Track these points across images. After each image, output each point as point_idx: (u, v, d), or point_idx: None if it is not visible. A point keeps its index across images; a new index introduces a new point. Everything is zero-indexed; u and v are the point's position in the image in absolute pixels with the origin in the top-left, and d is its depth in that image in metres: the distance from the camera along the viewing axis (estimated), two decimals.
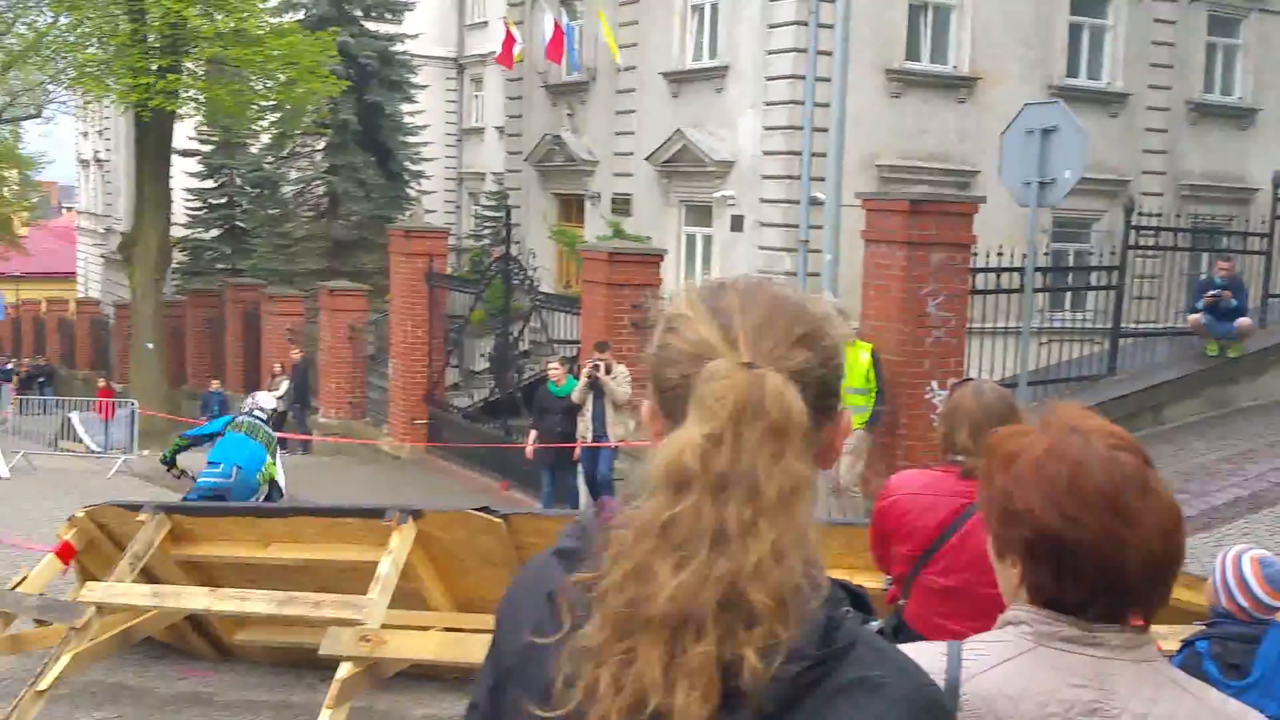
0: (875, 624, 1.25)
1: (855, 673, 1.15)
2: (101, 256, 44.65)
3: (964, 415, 3.59)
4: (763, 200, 18.59)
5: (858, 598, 1.24)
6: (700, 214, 20.31)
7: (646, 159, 20.96)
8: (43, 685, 6.27)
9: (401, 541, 6.31)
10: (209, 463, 9.32)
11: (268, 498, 9.33)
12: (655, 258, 14.95)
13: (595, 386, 12.67)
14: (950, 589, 3.55)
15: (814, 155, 17.32)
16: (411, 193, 32.82)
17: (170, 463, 10.01)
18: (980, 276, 11.96)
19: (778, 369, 1.19)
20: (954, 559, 3.55)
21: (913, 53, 18.83)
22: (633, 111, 21.61)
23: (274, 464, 9.41)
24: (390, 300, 18.98)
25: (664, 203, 20.89)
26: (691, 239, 20.46)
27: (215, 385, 24.04)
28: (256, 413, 9.71)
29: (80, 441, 21.55)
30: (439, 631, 6.19)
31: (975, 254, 11.36)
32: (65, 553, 7.54)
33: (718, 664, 1.11)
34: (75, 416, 21.95)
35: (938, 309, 10.85)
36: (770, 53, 18.34)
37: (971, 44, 19.08)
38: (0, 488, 16.03)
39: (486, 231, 32.10)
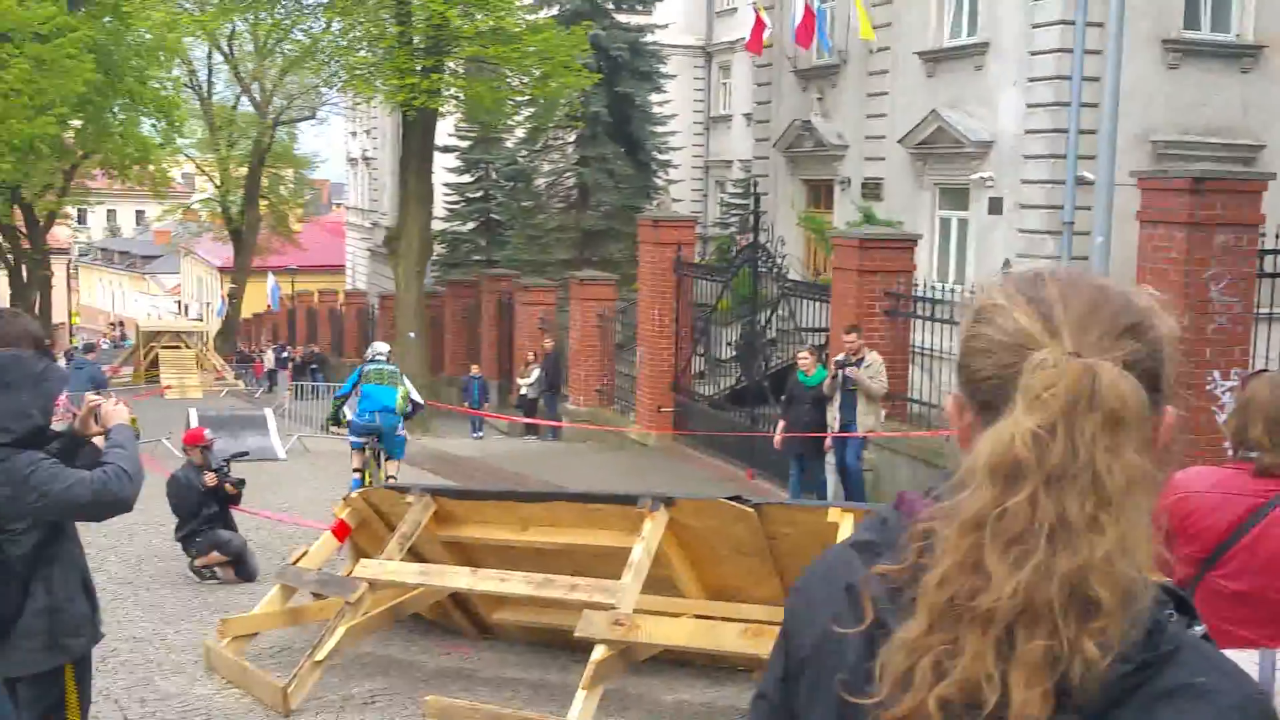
0: (1199, 629, 1.19)
1: (1181, 678, 1.12)
2: (368, 249, 47.36)
3: (1258, 409, 3.37)
4: (1024, 181, 17.89)
5: (1181, 600, 1.19)
6: (955, 197, 19.72)
7: (899, 142, 20.50)
8: (320, 656, 6.72)
9: (654, 528, 6.41)
10: (359, 412, 12.76)
11: (412, 413, 12.88)
12: (908, 243, 14.61)
13: (844, 378, 12.53)
14: (1241, 593, 3.34)
15: (1081, 133, 16.55)
16: (659, 182, 33.28)
17: (335, 419, 13.82)
18: (1270, 259, 11.13)
19: (1106, 359, 1.16)
20: (1246, 562, 3.34)
21: (1191, 21, 17.74)
22: (885, 94, 21.18)
23: (409, 389, 12.89)
24: (638, 289, 19.28)
25: (917, 186, 20.40)
26: (946, 223, 19.91)
27: (475, 370, 25.10)
28: (378, 358, 12.87)
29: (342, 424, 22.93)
30: (690, 618, 6.26)
31: (1263, 234, 10.58)
32: (341, 531, 8.03)
33: (1052, 660, 1.09)
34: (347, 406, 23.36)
35: (1221, 294, 10.16)
36: (1035, 26, 17.63)
37: (1256, 10, 17.80)
38: (277, 470, 17.22)
39: (733, 219, 32.19)
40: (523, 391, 22.79)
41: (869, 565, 1.22)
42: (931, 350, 12.78)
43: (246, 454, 10.96)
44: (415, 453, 19.41)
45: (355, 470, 12.75)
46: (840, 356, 12.76)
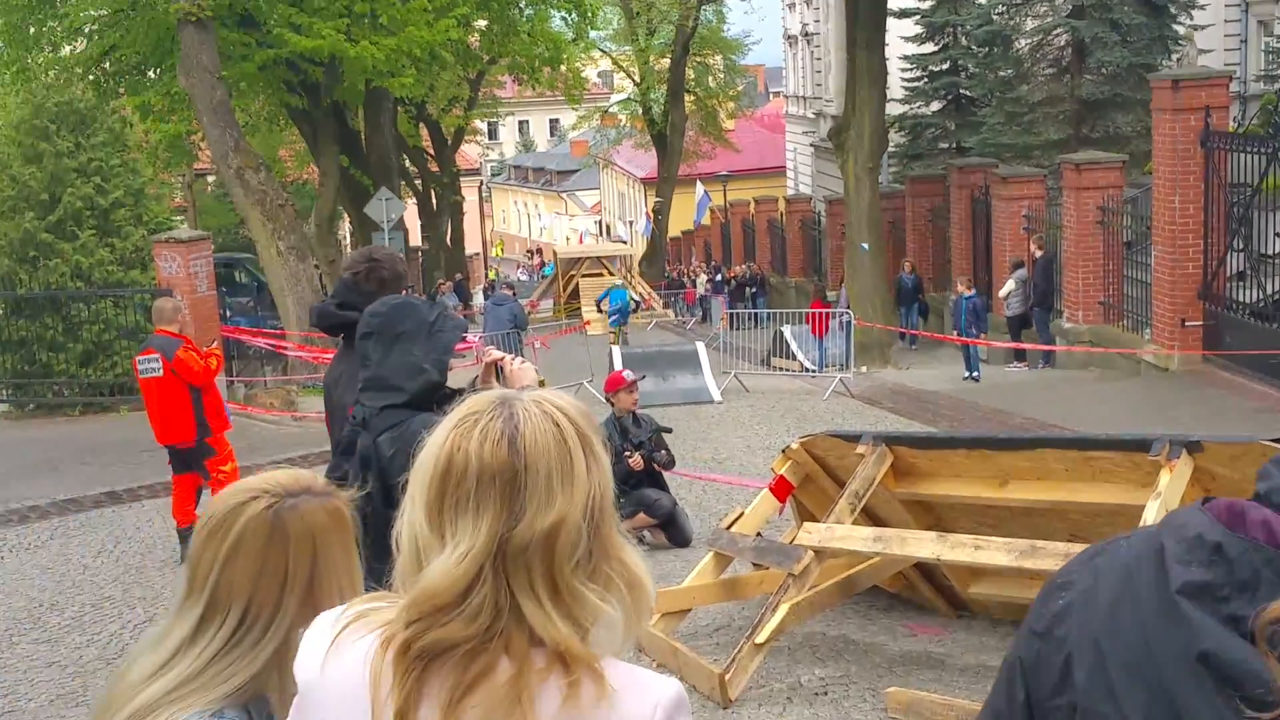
0: None
1: None
2: (811, 146, 47.79)
3: None
4: None
5: None
6: None
7: None
8: (761, 638, 6.88)
9: (1174, 481, 6.03)
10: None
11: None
12: None
13: None
14: None
15: None
16: (1180, 30, 31.07)
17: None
18: None
19: None
20: None
21: None
22: None
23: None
24: (1152, 171, 18.20)
25: None
26: None
27: (963, 287, 22.30)
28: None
29: (794, 358, 23.31)
30: None
31: None
32: (780, 489, 8.18)
33: None
34: (788, 330, 23.74)
35: None
36: None
37: None
38: (712, 413, 17.84)
39: None
40: (1005, 311, 22.24)
41: (1215, 615, 1.09)
42: None
43: (670, 430, 11.40)
44: (871, 388, 19.49)
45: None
46: None
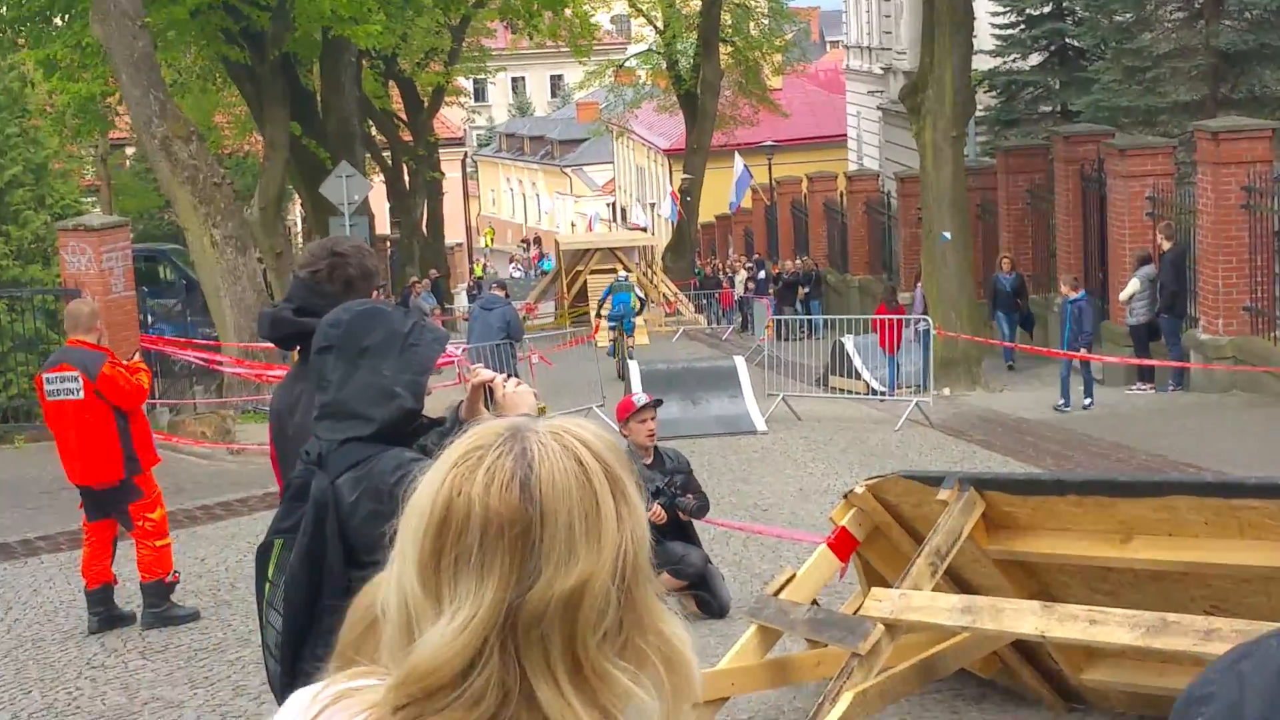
0: None
1: None
2: (878, 109, 47.84)
3: None
4: None
5: None
6: None
7: None
8: None
9: None
10: None
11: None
12: None
13: None
14: None
15: None
16: None
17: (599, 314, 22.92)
18: None
19: None
20: None
21: None
22: None
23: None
24: None
25: None
26: None
27: (1068, 290, 21.63)
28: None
29: (858, 377, 23.28)
30: None
31: None
32: (842, 545, 8.12)
33: None
34: (850, 342, 23.70)
35: None
36: None
37: None
38: (755, 447, 17.80)
39: None
40: (1126, 319, 22.13)
41: None
42: None
43: (687, 500, 11.07)
44: (956, 416, 19.44)
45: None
46: None
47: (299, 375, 5.53)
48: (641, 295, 32.35)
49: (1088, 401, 20.39)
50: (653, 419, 11.03)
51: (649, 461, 10.81)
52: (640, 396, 11.26)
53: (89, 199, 33.31)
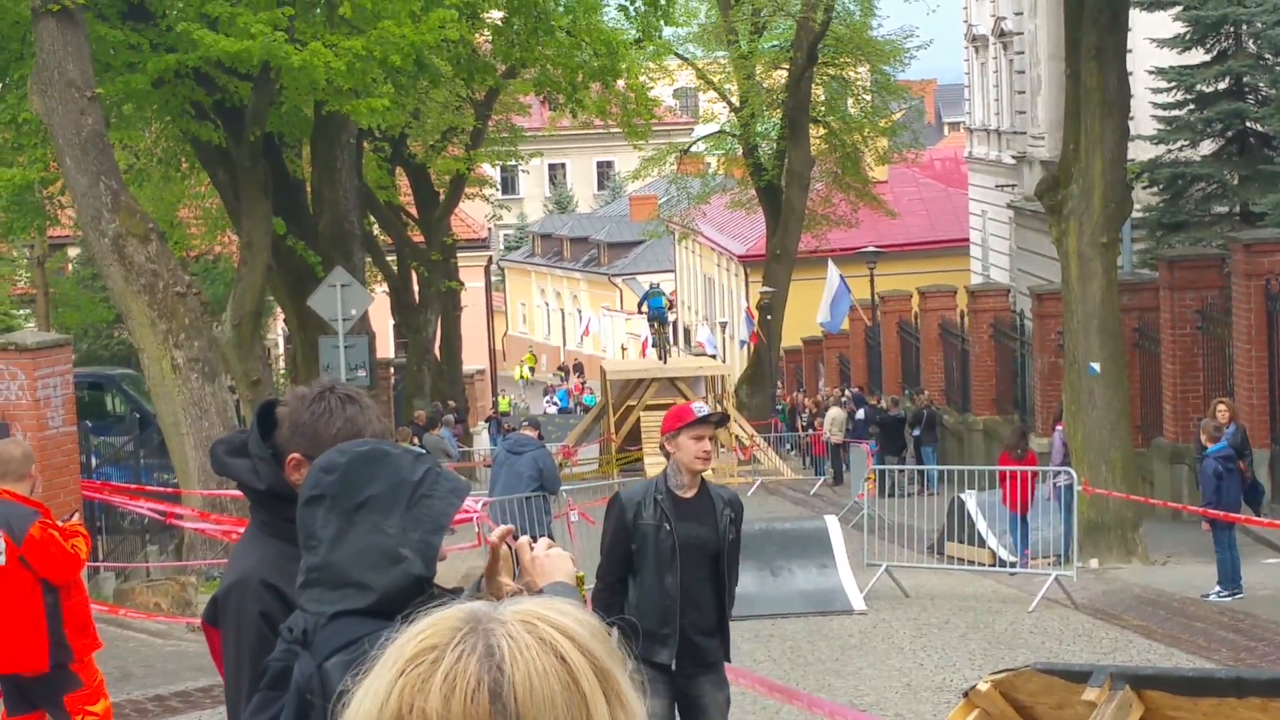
0: None
1: None
2: (1008, 208, 47.95)
3: None
4: None
5: None
6: None
7: None
8: None
9: None
10: None
11: None
12: None
13: None
14: None
15: None
16: None
17: None
18: None
19: None
20: None
21: None
22: None
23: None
24: None
25: None
26: None
27: (1208, 438, 21.21)
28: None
29: (981, 544, 23.15)
30: None
31: None
32: None
33: None
34: (971, 499, 23.60)
35: None
36: None
37: None
38: (852, 630, 17.70)
39: None
40: None
41: None
42: None
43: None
44: (1106, 594, 19.29)
45: None
46: None
47: (251, 538, 5.56)
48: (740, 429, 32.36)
49: (1234, 590, 19.29)
50: (710, 438, 10.41)
51: (691, 494, 10.29)
52: (701, 406, 10.54)
53: (22, 311, 33.65)
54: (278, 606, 4.90)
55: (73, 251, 43.11)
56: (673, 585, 9.57)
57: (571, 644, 1.70)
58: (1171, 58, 35.74)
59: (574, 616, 1.74)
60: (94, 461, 24.37)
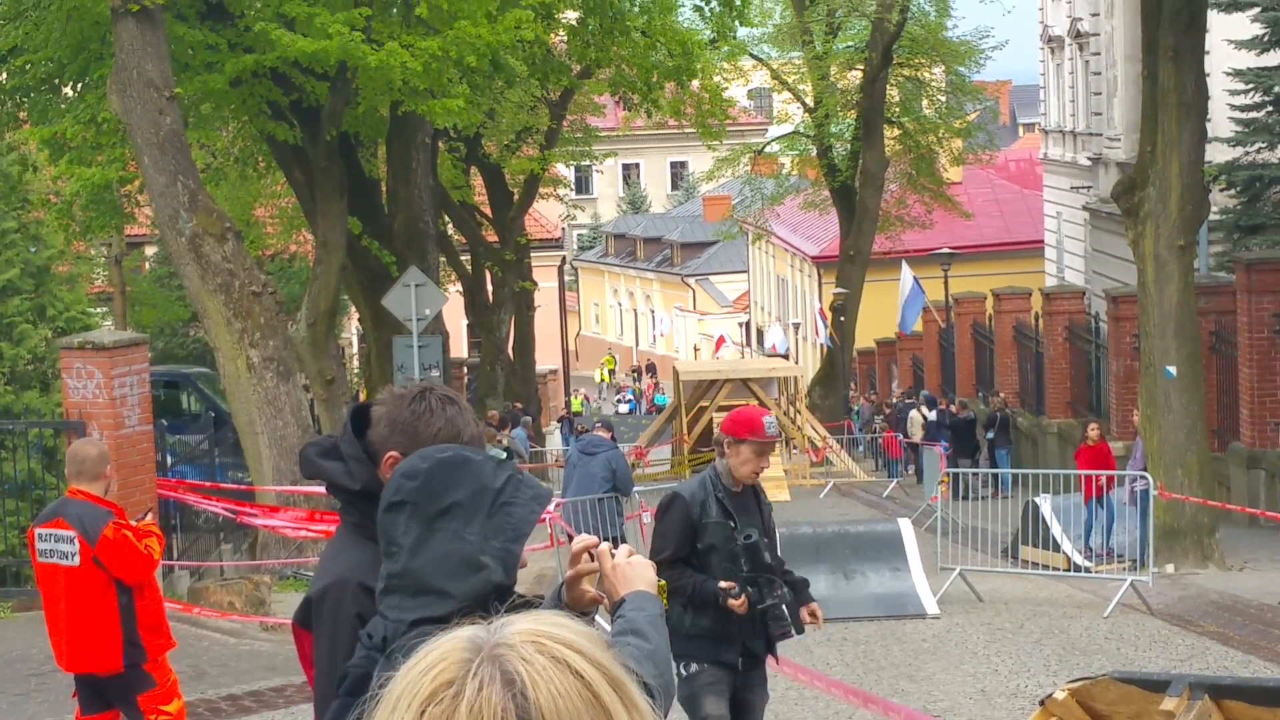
0: None
1: None
2: (1084, 210, 47.70)
3: None
4: None
5: None
6: None
7: None
8: None
9: None
10: None
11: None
12: None
13: None
14: None
15: None
16: None
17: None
18: None
19: None
20: None
21: None
22: None
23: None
24: None
25: None
26: None
27: None
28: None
29: (1057, 549, 23.02)
30: None
31: None
32: None
33: None
34: (1046, 503, 23.46)
35: None
36: None
37: None
38: (925, 634, 17.63)
39: None
40: None
41: None
42: None
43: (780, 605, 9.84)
44: (1184, 600, 19.16)
45: None
46: None
47: (344, 540, 5.55)
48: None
49: None
50: (770, 450, 10.36)
51: (739, 489, 10.06)
52: (773, 423, 10.41)
53: (99, 310, 33.72)
54: (374, 610, 4.89)
55: (150, 250, 43.29)
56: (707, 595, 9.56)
57: (582, 658, 1.70)
58: (1250, 59, 35.51)
59: (574, 629, 1.75)
60: (169, 460, 24.51)
